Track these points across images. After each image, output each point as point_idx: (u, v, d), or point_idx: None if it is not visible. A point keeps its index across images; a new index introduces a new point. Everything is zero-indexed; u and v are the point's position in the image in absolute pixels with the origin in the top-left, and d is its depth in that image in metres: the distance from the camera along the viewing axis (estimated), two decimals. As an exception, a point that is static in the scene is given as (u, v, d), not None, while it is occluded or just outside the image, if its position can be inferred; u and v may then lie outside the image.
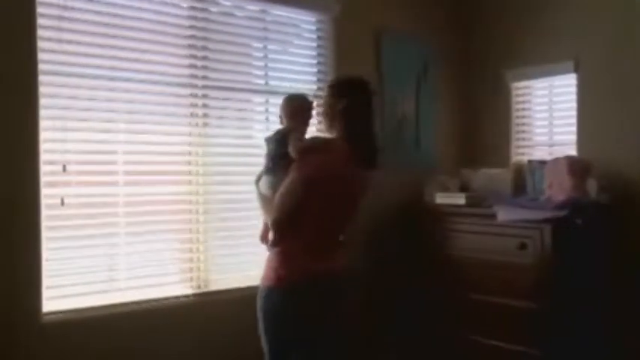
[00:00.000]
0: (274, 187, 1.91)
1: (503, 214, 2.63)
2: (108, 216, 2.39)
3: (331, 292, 1.88)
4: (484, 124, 3.54)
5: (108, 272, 2.39)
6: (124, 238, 2.43)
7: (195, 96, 2.62)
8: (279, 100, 2.21)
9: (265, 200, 1.97)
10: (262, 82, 2.85)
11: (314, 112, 2.09)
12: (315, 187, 1.81)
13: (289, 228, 1.84)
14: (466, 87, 3.61)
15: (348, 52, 3.04)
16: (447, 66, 3.51)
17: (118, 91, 2.40)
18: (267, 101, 2.82)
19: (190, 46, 2.61)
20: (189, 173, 2.60)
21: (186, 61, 2.59)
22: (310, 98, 2.10)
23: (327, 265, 1.88)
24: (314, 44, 3.03)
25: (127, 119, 2.43)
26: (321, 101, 2.01)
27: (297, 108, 2.02)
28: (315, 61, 3.03)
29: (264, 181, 2.00)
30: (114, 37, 2.38)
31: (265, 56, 2.87)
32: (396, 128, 3.26)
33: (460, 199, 2.93)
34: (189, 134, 2.60)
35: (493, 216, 2.66)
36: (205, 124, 2.63)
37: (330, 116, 1.92)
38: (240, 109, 2.77)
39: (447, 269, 2.86)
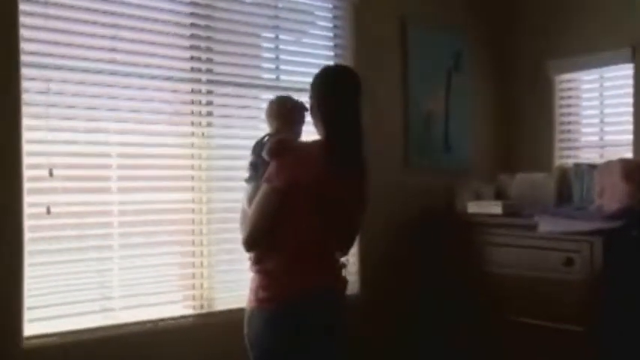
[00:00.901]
0: (252, 198, 1.87)
1: (546, 225, 2.57)
2: (100, 227, 2.35)
3: (321, 316, 1.81)
4: (523, 123, 3.47)
5: (99, 290, 2.34)
6: (118, 251, 2.38)
7: (198, 92, 2.58)
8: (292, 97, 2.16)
9: (243, 213, 1.94)
10: (273, 76, 2.81)
11: (303, 115, 2.04)
12: (293, 195, 1.76)
13: (267, 245, 1.79)
14: (503, 80, 3.54)
15: (370, 42, 3.01)
16: (481, 57, 3.47)
17: (111, 87, 2.36)
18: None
19: (193, 36, 2.57)
20: (192, 179, 2.56)
21: (188, 53, 2.56)
22: (299, 100, 2.06)
23: (316, 285, 1.81)
24: (331, 34, 2.99)
25: (122, 118, 2.40)
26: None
27: (280, 110, 2.00)
28: (332, 53, 2.98)
29: (246, 191, 1.97)
30: (106, 25, 2.34)
31: (276, 48, 2.84)
32: (423, 126, 3.20)
33: (496, 208, 2.87)
34: (192, 135, 2.56)
35: (534, 227, 2.61)
36: (209, 124, 2.60)
37: (313, 117, 1.90)
38: (248, 107, 2.73)
39: (481, 287, 2.79)
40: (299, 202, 1.78)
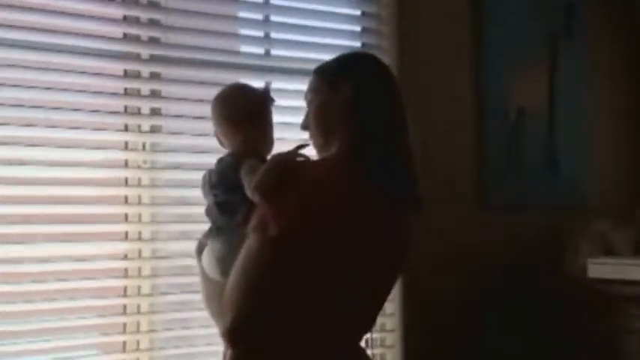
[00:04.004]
0: (225, 262, 1.82)
1: None
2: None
3: None
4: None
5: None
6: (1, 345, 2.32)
7: (135, 76, 2.56)
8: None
9: (211, 287, 1.92)
10: (260, 50, 2.80)
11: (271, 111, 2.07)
12: (302, 250, 1.70)
13: (258, 333, 1.73)
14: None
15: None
16: (610, 15, 3.44)
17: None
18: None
19: (128, -15, 2.56)
20: (125, 219, 2.52)
21: (119, 11, 2.54)
22: (263, 88, 2.07)
23: None
24: (355, -19, 3.00)
25: (5, 119, 2.36)
26: (309, 97, 1.95)
27: (241, 108, 1.98)
28: (358, 12, 2.97)
29: (208, 254, 1.92)
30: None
31: (266, 2, 2.81)
32: (509, 136, 3.17)
33: (638, 271, 2.80)
34: (125, 148, 2.53)
35: None
36: (154, 130, 2.57)
37: (326, 119, 1.88)
38: None
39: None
40: (311, 259, 1.72)
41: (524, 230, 3.04)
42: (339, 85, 1.84)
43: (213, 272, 1.90)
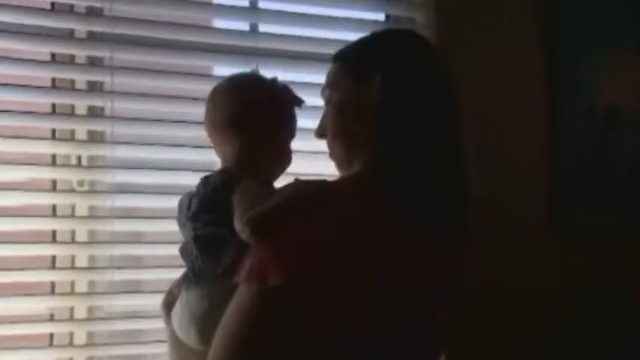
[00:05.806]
0: (205, 322, 1.80)
1: None
2: None
3: None
4: None
5: None
6: None
7: (67, 62, 2.50)
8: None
9: (185, 357, 1.92)
10: (244, 26, 2.79)
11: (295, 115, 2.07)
12: (310, 307, 1.66)
13: None
14: None
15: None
16: None
17: None
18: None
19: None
20: (52, 266, 2.47)
21: None
22: (283, 84, 2.05)
23: None
24: None
25: None
26: (327, 94, 1.92)
27: (247, 105, 1.96)
28: None
29: (182, 311, 1.89)
30: None
31: None
32: (595, 139, 3.17)
33: None
34: (52, 163, 2.48)
35: None
36: (92, 137, 2.52)
37: (349, 124, 1.87)
38: (184, 97, 2.64)
39: None
40: (323, 317, 1.67)
41: (614, 263, 3.01)
42: (367, 79, 1.80)
43: (188, 336, 1.85)
